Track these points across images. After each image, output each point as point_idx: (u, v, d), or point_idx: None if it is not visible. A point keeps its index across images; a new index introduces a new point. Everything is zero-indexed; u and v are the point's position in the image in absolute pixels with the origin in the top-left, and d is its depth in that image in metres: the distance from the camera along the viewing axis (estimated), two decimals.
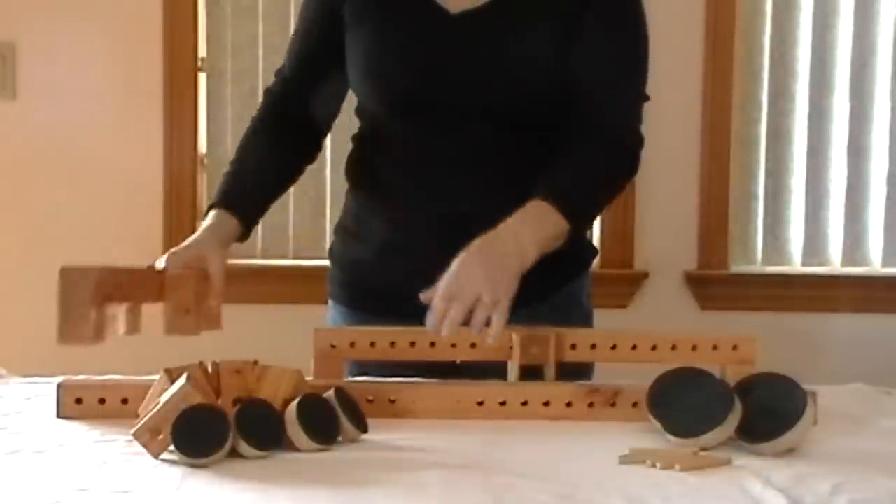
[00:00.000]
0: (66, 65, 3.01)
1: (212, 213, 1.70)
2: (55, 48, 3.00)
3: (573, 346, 1.62)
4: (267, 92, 1.86)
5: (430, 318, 1.51)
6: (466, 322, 1.50)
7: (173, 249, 1.61)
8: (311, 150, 1.86)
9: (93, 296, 1.31)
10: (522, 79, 1.70)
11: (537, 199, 1.63)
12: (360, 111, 1.84)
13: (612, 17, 1.73)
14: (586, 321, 1.86)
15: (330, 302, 1.90)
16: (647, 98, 1.80)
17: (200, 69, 3.04)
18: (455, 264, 1.54)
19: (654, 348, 1.62)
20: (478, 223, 1.72)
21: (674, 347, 1.61)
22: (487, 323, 1.50)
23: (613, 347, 1.63)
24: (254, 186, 1.76)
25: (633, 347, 1.63)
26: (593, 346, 1.63)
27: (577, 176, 1.68)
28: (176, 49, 3.01)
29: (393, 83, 1.73)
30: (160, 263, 1.58)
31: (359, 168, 1.85)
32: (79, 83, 3.01)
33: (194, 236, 1.65)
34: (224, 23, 3.06)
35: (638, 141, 1.77)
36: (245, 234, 1.71)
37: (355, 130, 1.87)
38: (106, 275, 1.36)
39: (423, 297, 1.52)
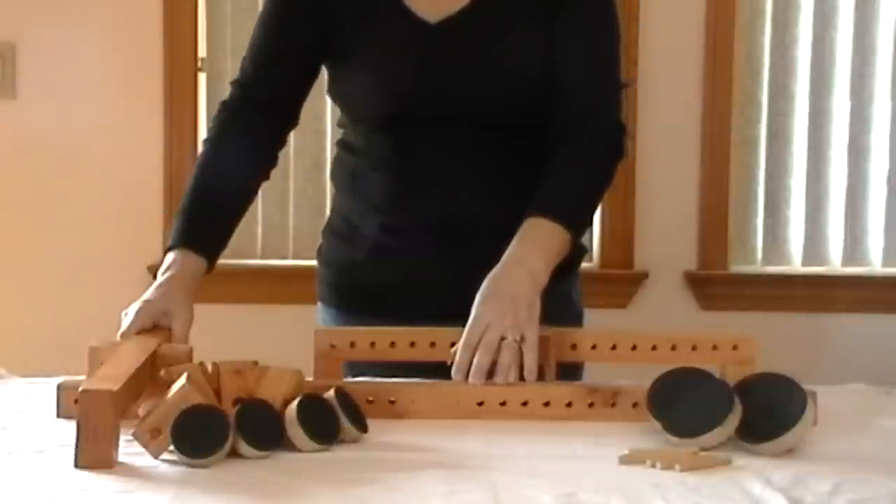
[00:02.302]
0: (66, 65, 3.01)
1: (176, 255, 1.65)
2: (55, 48, 3.01)
3: (573, 346, 1.62)
4: (224, 106, 1.80)
5: (456, 372, 1.51)
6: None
7: (145, 298, 1.58)
8: (270, 166, 1.82)
9: (113, 420, 1.27)
10: (505, 80, 1.71)
11: (534, 215, 1.64)
12: (344, 123, 1.84)
13: (586, 13, 1.73)
14: (577, 320, 1.86)
15: (319, 304, 1.89)
16: (624, 86, 1.81)
17: (200, 69, 3.04)
18: (473, 311, 1.55)
19: (654, 348, 1.62)
20: (468, 224, 1.73)
21: (674, 347, 1.61)
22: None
23: (613, 347, 1.62)
24: (217, 222, 1.72)
25: (633, 347, 1.63)
26: (593, 347, 1.62)
27: (568, 181, 1.69)
28: (176, 49, 3.02)
29: (379, 103, 1.73)
30: (132, 310, 1.56)
31: (346, 172, 1.84)
32: (79, 83, 3.02)
33: (162, 283, 1.61)
34: (224, 23, 3.06)
35: (620, 129, 1.77)
36: (210, 270, 1.69)
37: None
38: (122, 393, 1.31)
39: (452, 352, 1.53)
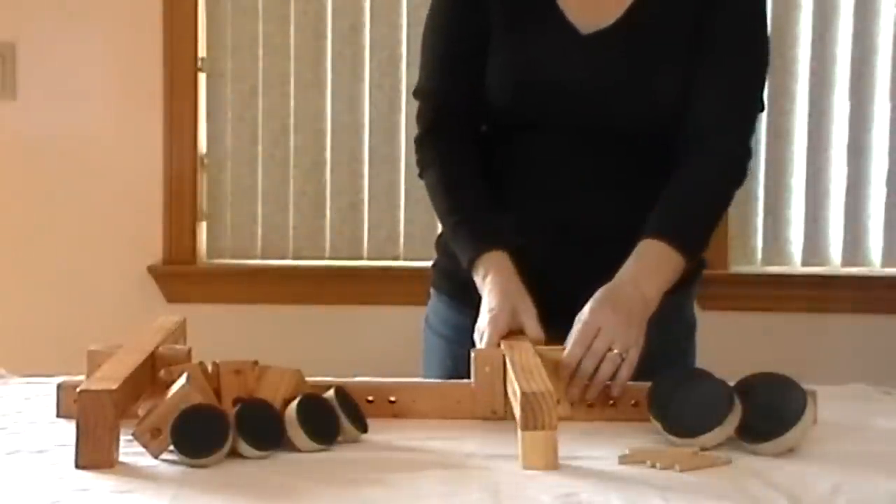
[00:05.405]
0: (66, 65, 3.01)
1: (484, 260, 1.68)
2: (55, 48, 3.00)
3: None
4: (423, 120, 1.82)
5: (564, 367, 1.52)
6: None
7: (489, 308, 1.61)
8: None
9: (112, 420, 1.27)
10: (647, 99, 1.71)
11: (649, 237, 1.65)
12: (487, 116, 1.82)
13: (737, 35, 1.75)
14: (688, 333, 1.85)
15: (432, 291, 1.89)
16: (762, 109, 1.83)
17: (200, 69, 3.04)
18: (585, 314, 1.56)
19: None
20: (588, 231, 1.72)
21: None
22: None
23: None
24: (491, 216, 1.74)
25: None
26: None
27: (685, 205, 1.71)
28: (176, 49, 3.01)
29: (522, 96, 1.74)
30: (482, 324, 1.60)
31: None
32: (79, 83, 3.01)
33: (493, 288, 1.64)
34: (224, 23, 3.06)
35: (745, 154, 1.79)
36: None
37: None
38: (121, 393, 1.31)
39: (564, 357, 1.53)
